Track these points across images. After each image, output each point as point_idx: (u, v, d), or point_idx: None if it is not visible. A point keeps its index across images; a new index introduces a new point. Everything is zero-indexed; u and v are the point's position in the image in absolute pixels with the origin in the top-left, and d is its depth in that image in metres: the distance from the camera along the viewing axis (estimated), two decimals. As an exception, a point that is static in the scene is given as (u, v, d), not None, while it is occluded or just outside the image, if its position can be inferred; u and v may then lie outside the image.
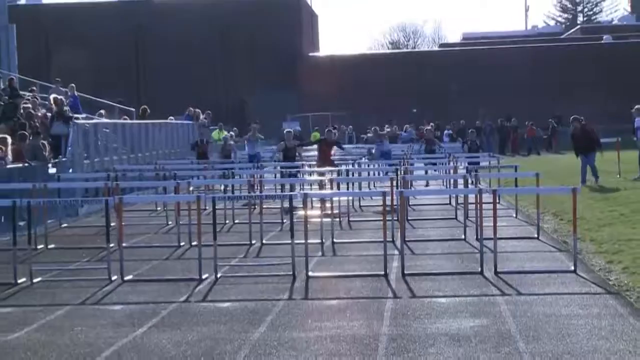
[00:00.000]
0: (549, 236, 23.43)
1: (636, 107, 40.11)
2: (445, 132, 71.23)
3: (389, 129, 64.58)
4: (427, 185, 37.84)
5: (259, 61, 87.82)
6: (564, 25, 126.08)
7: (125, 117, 47.97)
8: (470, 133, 41.19)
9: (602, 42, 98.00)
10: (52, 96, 36.67)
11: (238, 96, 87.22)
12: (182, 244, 23.04)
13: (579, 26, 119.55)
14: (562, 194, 23.91)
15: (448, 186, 33.86)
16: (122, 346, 13.10)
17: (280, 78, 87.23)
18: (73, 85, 44.13)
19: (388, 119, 75.08)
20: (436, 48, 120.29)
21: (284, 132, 38.07)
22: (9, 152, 29.00)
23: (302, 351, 12.52)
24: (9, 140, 29.50)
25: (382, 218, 19.96)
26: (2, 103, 36.23)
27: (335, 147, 36.76)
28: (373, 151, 43.00)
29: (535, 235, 23.40)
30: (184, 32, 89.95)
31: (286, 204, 22.94)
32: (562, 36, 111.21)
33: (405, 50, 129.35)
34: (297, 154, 32.31)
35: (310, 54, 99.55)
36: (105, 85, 67.57)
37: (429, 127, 48.08)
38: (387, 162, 36.95)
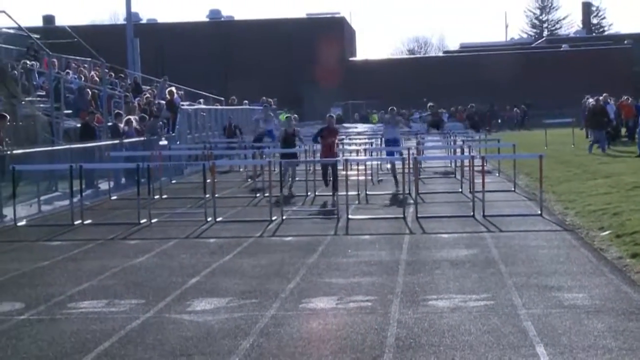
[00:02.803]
0: (522, 189, 23.33)
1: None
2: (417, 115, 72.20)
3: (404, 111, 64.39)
4: None
5: (313, 63, 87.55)
6: (533, 37, 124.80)
7: (217, 104, 48.05)
8: (469, 107, 37.97)
9: (561, 49, 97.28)
10: (167, 90, 36.69)
11: (298, 89, 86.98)
12: (257, 195, 23.10)
13: (544, 38, 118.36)
14: (532, 159, 23.76)
15: (450, 153, 33.32)
16: (215, 267, 13.14)
17: (329, 76, 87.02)
18: (165, 76, 44.11)
19: (424, 98, 75.76)
20: (441, 54, 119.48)
21: (286, 117, 29.97)
22: (133, 129, 29.15)
23: (344, 271, 12.52)
24: (133, 120, 29.65)
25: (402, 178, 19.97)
26: (127, 94, 36.34)
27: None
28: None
29: (513, 189, 23.31)
30: (258, 41, 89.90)
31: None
32: (532, 45, 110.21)
33: (418, 55, 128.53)
34: (297, 138, 24.89)
35: (350, 58, 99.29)
36: (203, 81, 67.44)
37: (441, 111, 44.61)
38: (394, 149, 26.41)
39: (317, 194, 23.20)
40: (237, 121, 40.92)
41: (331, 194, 21.82)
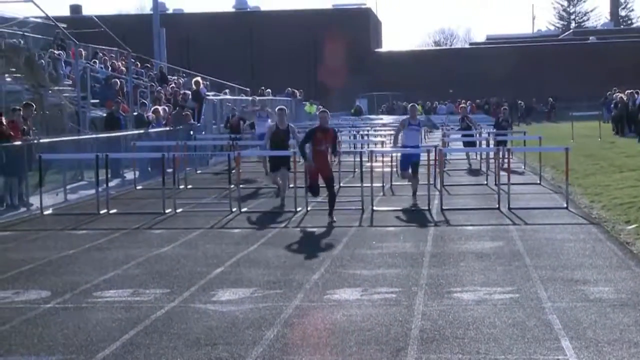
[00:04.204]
0: (548, 182, 23.25)
1: None
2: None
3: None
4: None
5: (339, 54, 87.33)
6: (560, 29, 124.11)
7: (242, 94, 48.08)
8: (504, 110, 32.09)
9: (589, 41, 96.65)
10: (193, 80, 36.74)
11: (323, 80, 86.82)
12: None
13: (571, 30, 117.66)
14: (558, 152, 23.66)
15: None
16: (239, 257, 13.17)
17: (354, 67, 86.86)
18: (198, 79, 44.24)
19: (449, 90, 76.02)
20: (467, 46, 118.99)
21: (276, 109, 20.80)
22: (161, 119, 29.27)
23: (368, 263, 12.52)
24: (161, 110, 29.75)
25: (426, 171, 19.92)
26: (153, 84, 36.45)
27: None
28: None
29: (538, 182, 23.23)
30: (284, 32, 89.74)
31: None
32: (559, 37, 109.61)
33: (444, 47, 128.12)
34: (290, 137, 19.51)
35: (376, 50, 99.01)
36: (229, 71, 67.48)
37: (464, 105, 39.22)
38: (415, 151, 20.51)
39: (341, 185, 23.16)
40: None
41: (327, 213, 17.18)
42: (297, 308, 9.82)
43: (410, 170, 20.18)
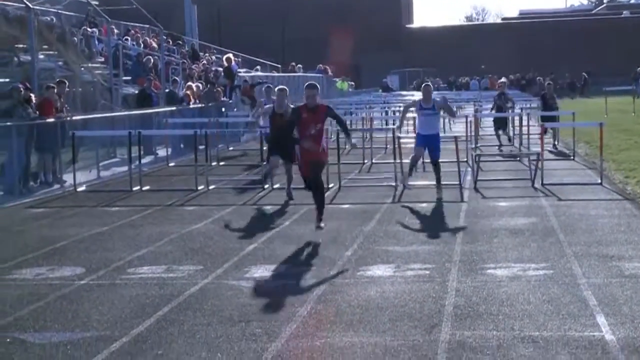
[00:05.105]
0: (582, 158, 23.08)
1: None
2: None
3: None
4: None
5: (370, 31, 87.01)
6: (593, 4, 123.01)
7: (274, 70, 48.06)
8: (548, 86, 28.00)
9: (622, 16, 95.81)
10: (225, 56, 36.70)
11: (354, 56, 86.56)
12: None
13: (605, 4, 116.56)
14: (592, 127, 23.48)
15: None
16: (272, 234, 13.17)
17: (385, 44, 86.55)
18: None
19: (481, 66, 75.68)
20: (499, 21, 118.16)
21: (276, 89, 18.03)
22: (191, 96, 29.31)
23: (401, 240, 12.48)
24: (194, 87, 29.79)
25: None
26: (184, 61, 36.47)
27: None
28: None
29: (572, 157, 23.07)
30: (316, 11, 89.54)
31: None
32: (592, 12, 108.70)
33: (476, 23, 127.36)
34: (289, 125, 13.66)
35: (407, 26, 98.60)
36: (260, 48, 67.39)
37: (502, 81, 34.51)
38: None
39: (374, 161, 23.10)
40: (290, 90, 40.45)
41: (316, 215, 13.17)
42: (330, 284, 9.80)
43: (427, 154, 17.31)
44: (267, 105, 18.29)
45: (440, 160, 17.09)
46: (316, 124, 13.02)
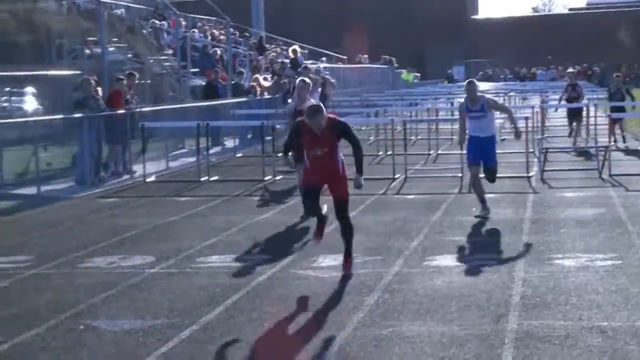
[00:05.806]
0: (650, 149, 22.80)
1: None
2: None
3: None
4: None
5: (435, 22, 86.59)
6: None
7: (339, 62, 48.04)
8: (616, 78, 26.50)
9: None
10: (291, 48, 36.74)
11: (419, 47, 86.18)
12: (379, 153, 23.01)
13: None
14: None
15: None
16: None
17: (450, 35, 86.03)
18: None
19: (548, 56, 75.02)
20: (566, 11, 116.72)
21: (297, 80, 15.86)
22: (258, 88, 29.44)
23: (467, 230, 12.45)
24: (261, 80, 29.94)
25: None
26: (252, 53, 36.62)
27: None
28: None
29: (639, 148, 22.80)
30: (378, 2, 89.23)
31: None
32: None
33: (542, 13, 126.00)
34: None
35: (472, 17, 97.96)
36: (325, 40, 67.39)
37: (572, 70, 29.19)
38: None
39: (439, 152, 23.01)
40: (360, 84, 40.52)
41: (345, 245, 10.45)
42: (397, 274, 9.81)
43: (482, 170, 14.10)
44: (291, 103, 15.62)
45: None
46: (322, 147, 10.21)
